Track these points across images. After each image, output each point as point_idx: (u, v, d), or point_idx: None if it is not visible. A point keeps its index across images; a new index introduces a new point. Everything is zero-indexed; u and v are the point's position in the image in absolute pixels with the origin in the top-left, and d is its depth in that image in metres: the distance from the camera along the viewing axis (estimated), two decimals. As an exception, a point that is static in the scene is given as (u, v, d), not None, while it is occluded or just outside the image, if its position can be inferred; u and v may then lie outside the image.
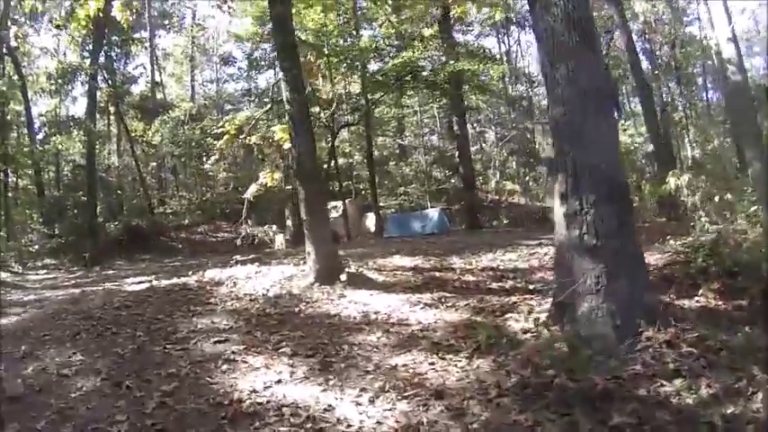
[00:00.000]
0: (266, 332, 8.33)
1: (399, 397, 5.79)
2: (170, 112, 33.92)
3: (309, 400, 5.91)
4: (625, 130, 34.09)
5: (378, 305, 9.31)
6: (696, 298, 7.18)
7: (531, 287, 9.86)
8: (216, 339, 8.13)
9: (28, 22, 26.46)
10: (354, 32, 29.40)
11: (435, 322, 8.21)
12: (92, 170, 25.03)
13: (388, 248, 16.08)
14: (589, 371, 5.30)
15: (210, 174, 34.35)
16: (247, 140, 14.48)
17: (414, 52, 27.89)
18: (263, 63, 35.35)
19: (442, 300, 9.42)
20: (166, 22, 36.81)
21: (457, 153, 31.58)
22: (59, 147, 31.65)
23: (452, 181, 35.13)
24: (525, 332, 7.05)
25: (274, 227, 15.15)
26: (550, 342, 6.21)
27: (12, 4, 23.31)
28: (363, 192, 34.74)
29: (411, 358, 6.87)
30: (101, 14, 12.61)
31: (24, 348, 7.97)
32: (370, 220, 31.15)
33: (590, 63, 6.65)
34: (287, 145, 11.73)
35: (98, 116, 30.96)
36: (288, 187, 34.23)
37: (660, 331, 5.75)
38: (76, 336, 8.70)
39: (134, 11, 13.88)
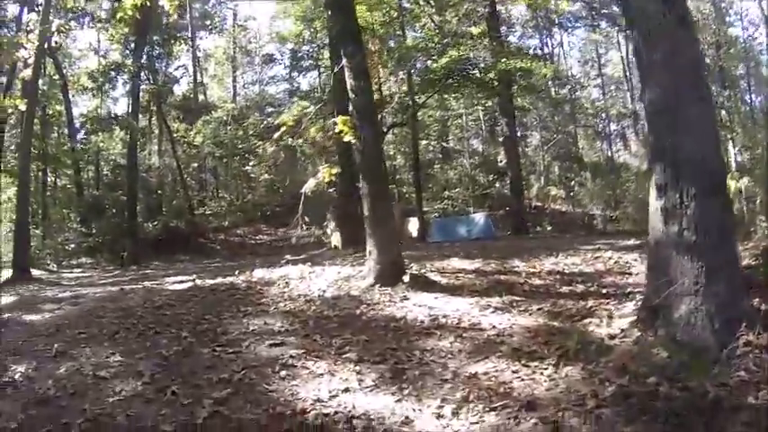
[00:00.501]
0: (326, 336, 7.51)
1: (486, 408, 5.09)
2: (212, 113, 33.28)
3: (383, 411, 5.20)
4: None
5: (445, 308, 8.38)
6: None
7: (603, 291, 8.98)
8: (271, 342, 7.29)
9: (70, 21, 25.81)
10: (400, 32, 28.47)
11: (511, 327, 7.37)
12: (132, 168, 24.39)
13: (441, 252, 15.03)
14: (704, 378, 4.86)
15: (252, 175, 33.74)
16: (306, 134, 13.56)
17: (461, 51, 26.95)
18: (306, 63, 34.60)
19: (513, 304, 8.51)
20: (208, 22, 36.10)
21: (504, 157, 30.49)
22: (100, 145, 31.27)
23: (496, 185, 34.05)
24: (612, 337, 6.36)
25: (332, 224, 14.20)
26: (645, 347, 5.77)
27: (53, 2, 22.57)
28: (407, 195, 33.73)
29: (491, 366, 6.09)
30: (148, 5, 11.70)
31: (57, 347, 7.22)
32: (413, 225, 30.17)
33: (687, 46, 6.24)
34: (347, 138, 10.73)
35: (140, 116, 30.24)
36: (331, 190, 33.84)
37: (760, 336, 5.34)
38: (115, 335, 7.91)
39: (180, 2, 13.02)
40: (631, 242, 14.31)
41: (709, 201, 5.83)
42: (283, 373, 6.20)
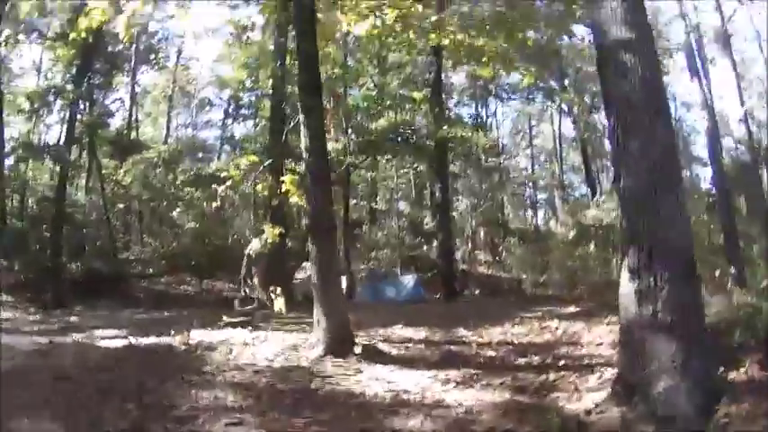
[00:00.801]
0: (285, 413, 7.11)
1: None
2: (144, 152, 32.31)
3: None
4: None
5: (403, 383, 8.21)
6: (741, 370, 6.73)
7: (560, 363, 9.10)
8: (227, 421, 6.82)
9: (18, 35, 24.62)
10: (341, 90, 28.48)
11: (477, 403, 7.22)
12: (60, 203, 23.10)
13: (379, 316, 14.79)
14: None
15: (178, 222, 32.71)
16: (255, 188, 13.26)
17: (401, 114, 27.19)
18: (246, 111, 34.18)
19: (473, 378, 8.42)
20: (152, 56, 35.25)
21: (433, 220, 30.65)
22: (30, 174, 29.82)
23: (424, 248, 34.08)
24: (588, 413, 6.37)
25: (278, 289, 13.75)
26: (628, 423, 5.87)
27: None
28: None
29: None
30: (102, 28, 11.42)
31: None
32: (342, 283, 29.84)
33: (664, 137, 6.58)
34: (294, 199, 10.46)
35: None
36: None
37: (736, 406, 5.63)
38: (55, 406, 7.27)
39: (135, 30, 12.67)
40: (571, 309, 14.85)
41: (683, 283, 6.13)
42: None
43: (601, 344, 9.89)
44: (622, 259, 6.66)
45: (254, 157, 10.96)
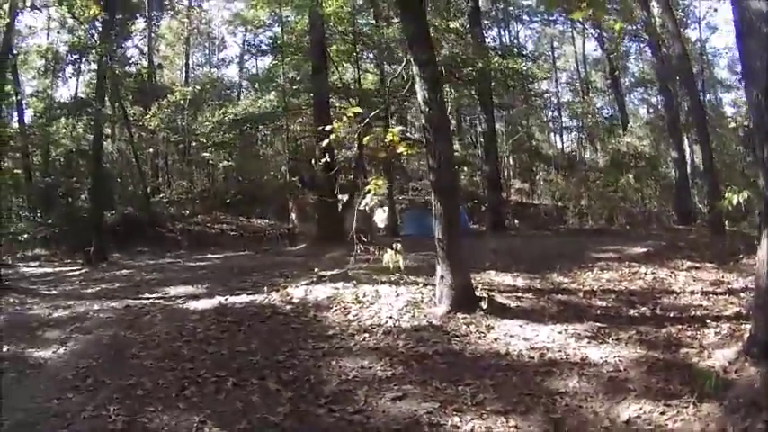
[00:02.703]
0: (445, 381, 6.36)
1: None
2: (168, 97, 30.66)
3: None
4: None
5: (539, 340, 7.49)
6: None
7: (670, 314, 8.45)
8: (393, 395, 5.97)
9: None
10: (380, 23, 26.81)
11: (619, 361, 6.71)
12: (98, 157, 21.56)
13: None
14: None
15: (210, 162, 31.26)
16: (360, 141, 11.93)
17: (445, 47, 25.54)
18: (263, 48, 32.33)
19: (601, 332, 7.68)
20: (166, 2, 33.25)
21: (480, 150, 29.13)
22: (64, 129, 28.36)
23: (464, 177, 32.68)
24: (726, 371, 6.04)
25: (398, 244, 11.70)
26: None
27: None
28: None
29: (637, 408, 5.61)
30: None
31: (114, 411, 5.62)
32: (379, 216, 28.49)
33: None
34: (401, 150, 9.06)
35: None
36: (294, 179, 31.81)
37: None
38: (183, 390, 6.18)
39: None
40: (639, 249, 14.21)
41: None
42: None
43: (694, 292, 9.50)
44: (765, 226, 6.05)
45: (357, 108, 9.36)
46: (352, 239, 20.32)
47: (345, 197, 24.58)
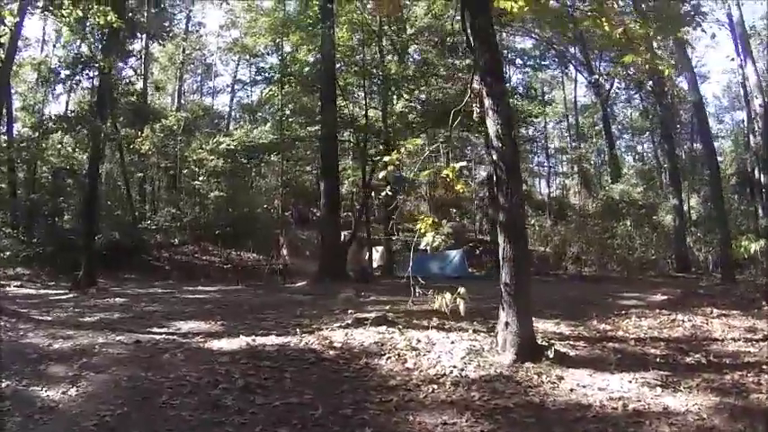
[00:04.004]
0: None
1: None
2: (162, 120, 29.42)
3: None
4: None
5: (614, 389, 6.95)
6: None
7: (726, 361, 8.15)
8: None
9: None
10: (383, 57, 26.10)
11: (699, 409, 6.29)
12: (94, 175, 20.20)
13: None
14: None
15: (201, 191, 29.89)
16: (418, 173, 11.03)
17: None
18: (258, 78, 31.38)
19: (669, 380, 7.23)
20: (166, 24, 32.11)
21: (484, 193, 28.31)
22: (59, 145, 26.96)
23: (457, 220, 31.79)
24: None
25: (462, 290, 10.12)
26: None
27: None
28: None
29: None
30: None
31: None
32: (376, 255, 27.41)
33: None
34: (459, 188, 8.15)
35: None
36: (287, 213, 30.66)
37: None
38: None
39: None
40: (660, 297, 14.10)
41: None
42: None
43: (736, 339, 9.38)
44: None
45: (418, 140, 8.38)
46: (358, 278, 19.22)
47: (346, 234, 23.63)
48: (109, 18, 12.87)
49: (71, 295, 16.81)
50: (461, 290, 7.21)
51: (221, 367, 7.45)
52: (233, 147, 28.71)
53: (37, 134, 26.76)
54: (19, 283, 19.85)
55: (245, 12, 31.04)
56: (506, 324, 8.06)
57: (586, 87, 40.11)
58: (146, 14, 28.69)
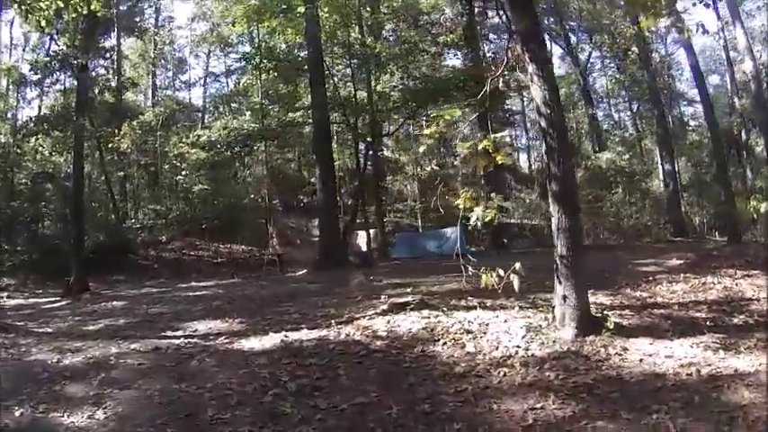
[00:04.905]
0: (632, 410, 5.28)
1: None
2: (139, 117, 28.19)
3: None
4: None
5: (681, 355, 6.68)
6: None
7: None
8: None
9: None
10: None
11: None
12: (79, 176, 18.96)
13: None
14: None
15: (184, 185, 28.69)
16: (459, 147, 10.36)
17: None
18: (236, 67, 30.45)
19: (726, 342, 7.03)
20: (137, 19, 30.74)
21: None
22: (40, 147, 25.68)
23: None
24: None
25: (518, 264, 9.31)
26: None
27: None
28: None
29: None
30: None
31: None
32: (361, 239, 26.51)
33: None
34: (500, 160, 7.46)
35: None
36: (274, 202, 29.60)
37: None
38: None
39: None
40: (676, 261, 13.99)
41: None
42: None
43: None
44: None
45: (457, 111, 7.64)
46: (359, 263, 18.28)
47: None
48: (93, 6, 11.77)
49: (64, 302, 15.71)
50: (517, 265, 6.49)
51: (262, 370, 6.66)
52: (214, 138, 27.52)
53: (13, 140, 25.40)
54: (6, 293, 18.71)
55: (217, 1, 29.97)
56: (564, 297, 7.66)
57: (560, 59, 39.35)
58: (115, 11, 27.45)
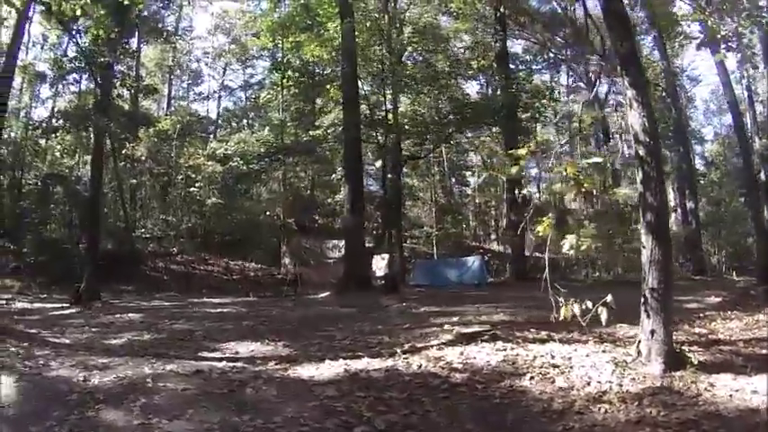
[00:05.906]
0: None
1: None
2: (156, 124, 27.36)
3: None
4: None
5: (764, 393, 5.96)
6: None
7: None
8: None
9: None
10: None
11: None
12: (97, 179, 18.02)
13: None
14: None
15: (198, 198, 27.78)
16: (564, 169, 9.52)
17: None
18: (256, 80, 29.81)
19: None
20: (160, 25, 30.06)
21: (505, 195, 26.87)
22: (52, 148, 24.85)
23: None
24: None
25: (609, 296, 8.64)
26: None
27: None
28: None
29: None
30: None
31: None
32: (377, 264, 25.58)
33: None
34: (587, 186, 6.87)
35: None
36: (290, 220, 28.67)
37: None
38: None
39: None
40: (714, 299, 14.22)
41: None
42: None
43: None
44: None
45: (548, 136, 6.93)
46: (385, 287, 17.41)
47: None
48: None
49: (74, 310, 14.80)
50: (609, 297, 6.01)
51: (335, 403, 5.71)
52: (230, 152, 26.73)
53: (26, 138, 24.52)
54: (10, 296, 17.73)
55: (240, 13, 29.41)
56: (652, 332, 7.23)
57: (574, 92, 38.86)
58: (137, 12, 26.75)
